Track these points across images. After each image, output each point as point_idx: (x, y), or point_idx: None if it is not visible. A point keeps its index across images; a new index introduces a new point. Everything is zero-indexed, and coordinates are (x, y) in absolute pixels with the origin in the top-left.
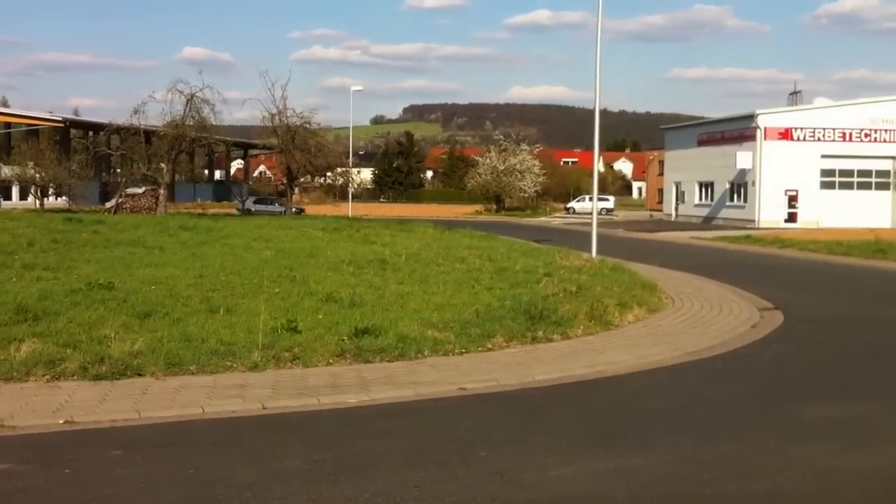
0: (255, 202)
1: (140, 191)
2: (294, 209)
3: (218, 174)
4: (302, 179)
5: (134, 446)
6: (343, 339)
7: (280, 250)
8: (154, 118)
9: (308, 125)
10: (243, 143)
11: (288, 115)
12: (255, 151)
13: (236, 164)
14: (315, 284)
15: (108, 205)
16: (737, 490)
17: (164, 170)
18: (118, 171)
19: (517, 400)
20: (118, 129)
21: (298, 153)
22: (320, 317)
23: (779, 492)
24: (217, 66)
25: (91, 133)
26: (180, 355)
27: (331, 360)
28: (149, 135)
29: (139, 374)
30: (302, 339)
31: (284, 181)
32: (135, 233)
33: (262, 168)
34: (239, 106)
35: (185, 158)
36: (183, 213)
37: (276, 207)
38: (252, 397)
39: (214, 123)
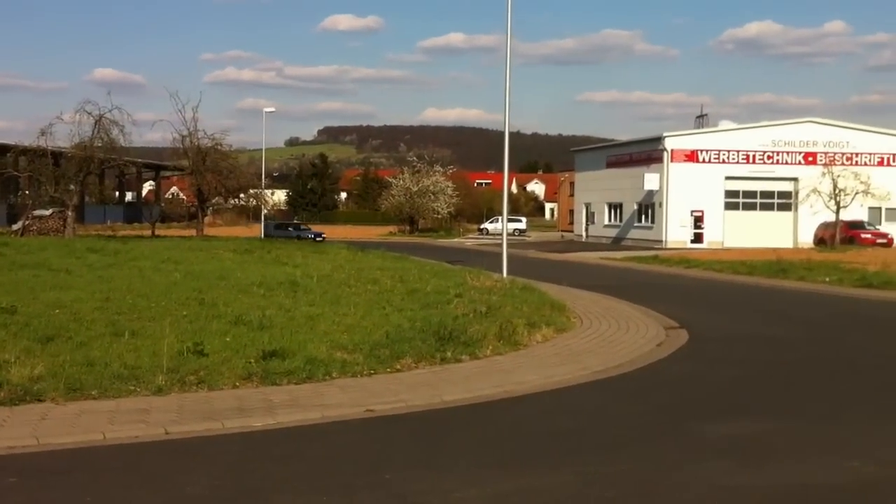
0: (275, 227)
1: (47, 213)
2: (312, 235)
3: (129, 196)
4: (214, 201)
5: (31, 474)
6: (250, 362)
7: (189, 272)
8: (62, 140)
9: (219, 147)
10: (154, 164)
11: (199, 136)
12: (167, 173)
13: (148, 186)
14: (224, 307)
15: (14, 227)
16: None
17: (73, 191)
18: (26, 192)
19: (424, 421)
20: (25, 151)
21: (210, 175)
22: (228, 339)
23: None
24: (128, 87)
25: None
26: (82, 380)
27: (237, 384)
28: (57, 156)
29: (39, 400)
30: (208, 362)
31: (196, 203)
32: (40, 255)
33: (174, 189)
34: (149, 128)
35: (95, 180)
36: (92, 235)
37: (291, 232)
38: (155, 422)
39: (124, 145)
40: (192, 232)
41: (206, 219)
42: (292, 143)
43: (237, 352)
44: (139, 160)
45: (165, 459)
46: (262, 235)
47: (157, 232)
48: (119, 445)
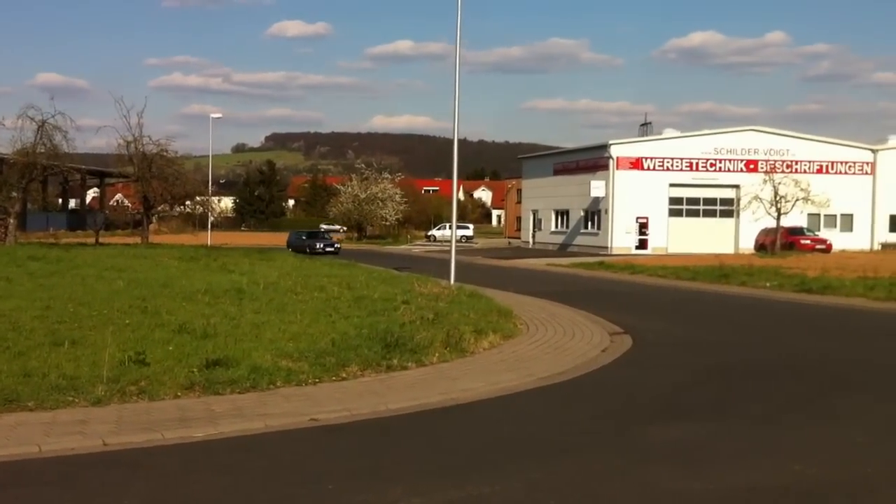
0: (297, 237)
1: None
2: (321, 245)
3: (73, 203)
4: (159, 208)
5: None
6: (193, 371)
7: (133, 280)
8: (4, 145)
9: (165, 153)
10: (99, 171)
11: (144, 142)
12: (112, 180)
13: (92, 193)
14: (168, 315)
15: None
16: None
17: (15, 198)
18: None
19: (369, 430)
20: None
21: (155, 182)
22: (171, 348)
23: None
24: (72, 92)
25: None
26: (18, 391)
27: (179, 393)
28: None
29: None
30: (150, 371)
31: (141, 210)
32: None
33: (119, 196)
34: (93, 133)
35: (37, 187)
36: (34, 242)
37: (305, 241)
38: (93, 433)
39: (67, 151)
40: (138, 240)
41: (152, 226)
42: (239, 149)
43: (180, 361)
44: (83, 167)
45: (101, 472)
46: (287, 246)
47: (101, 240)
48: (54, 458)
